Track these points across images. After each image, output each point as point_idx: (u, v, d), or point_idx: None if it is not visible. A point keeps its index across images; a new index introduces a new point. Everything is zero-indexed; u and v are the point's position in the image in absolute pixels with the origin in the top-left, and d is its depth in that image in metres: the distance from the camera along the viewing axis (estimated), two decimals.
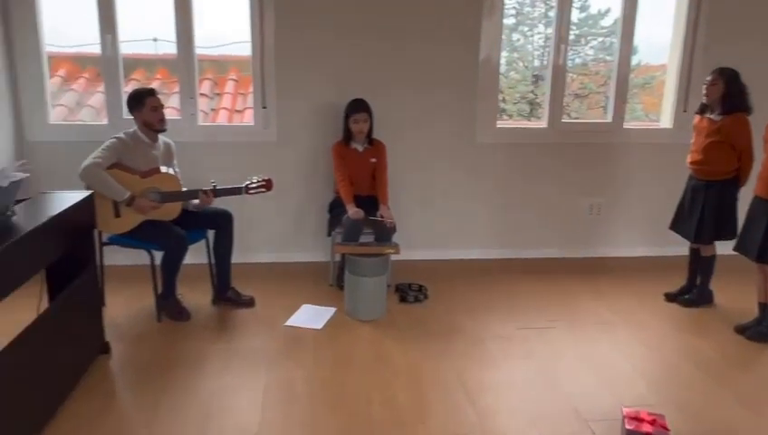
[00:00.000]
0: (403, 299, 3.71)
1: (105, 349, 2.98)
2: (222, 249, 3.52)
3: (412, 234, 4.28)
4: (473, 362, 3.02)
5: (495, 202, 4.44)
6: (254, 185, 3.44)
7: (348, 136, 3.83)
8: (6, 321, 2.49)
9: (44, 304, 2.58)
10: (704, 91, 3.47)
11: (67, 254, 2.59)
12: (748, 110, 3.37)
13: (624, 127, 4.44)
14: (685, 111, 4.30)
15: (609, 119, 4.43)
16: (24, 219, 2.35)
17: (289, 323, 3.38)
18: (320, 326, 3.34)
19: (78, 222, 2.72)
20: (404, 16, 4.04)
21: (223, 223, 3.49)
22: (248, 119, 5.13)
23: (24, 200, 2.58)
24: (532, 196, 4.46)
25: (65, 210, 2.55)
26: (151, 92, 3.33)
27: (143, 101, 3.29)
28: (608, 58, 6.73)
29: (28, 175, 2.38)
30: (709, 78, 3.43)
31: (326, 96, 4.09)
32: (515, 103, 7.67)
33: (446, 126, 4.26)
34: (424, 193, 4.35)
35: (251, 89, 5.17)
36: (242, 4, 3.97)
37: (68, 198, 2.69)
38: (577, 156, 4.41)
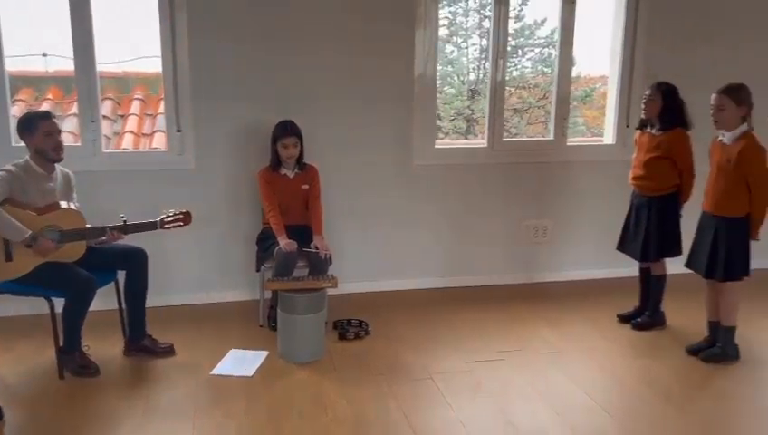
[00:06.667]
0: (342, 337, 3.76)
1: None
2: (135, 292, 3.46)
3: (350, 265, 4.35)
4: (419, 401, 3.10)
5: (436, 228, 4.59)
6: (169, 219, 3.41)
7: (276, 161, 3.87)
8: None
9: None
10: (642, 107, 3.77)
11: None
12: (687, 125, 3.68)
13: (567, 144, 4.72)
14: (627, 127, 4.62)
15: (551, 136, 4.70)
16: None
17: (216, 371, 3.36)
18: (251, 373, 3.33)
19: None
20: (333, 31, 4.16)
21: (135, 262, 3.43)
22: (157, 143, 5.09)
23: None
24: (475, 220, 4.64)
25: None
26: (45, 116, 3.27)
27: (35, 126, 3.21)
28: (545, 70, 7.15)
29: None
30: (647, 93, 3.73)
31: (250, 117, 4.13)
32: (452, 120, 7.95)
33: (380, 148, 4.39)
34: (361, 221, 4.44)
35: (160, 109, 5.14)
36: (149, 13, 3.95)
37: None
38: (519, 176, 4.65)
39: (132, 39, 4.60)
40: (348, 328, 3.82)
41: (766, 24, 4.75)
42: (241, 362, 3.44)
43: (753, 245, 3.41)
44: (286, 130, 3.81)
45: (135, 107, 5.36)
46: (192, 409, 2.99)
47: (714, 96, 3.34)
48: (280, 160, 3.87)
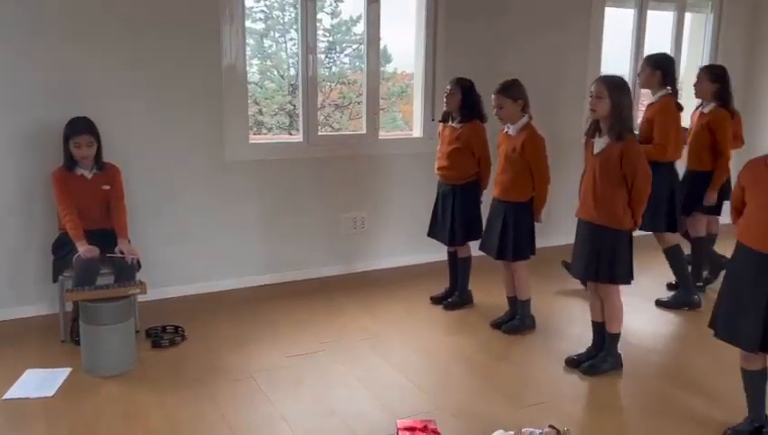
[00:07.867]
0: (156, 344, 3.61)
1: None
2: None
3: (162, 269, 4.16)
4: (239, 401, 3.07)
5: (254, 224, 4.56)
6: None
7: (71, 161, 3.60)
8: None
9: None
10: (444, 100, 4.04)
11: None
12: (483, 118, 4.01)
13: (379, 138, 4.91)
14: (433, 120, 4.91)
15: (363, 130, 4.87)
16: None
17: (8, 395, 3.06)
18: (51, 393, 3.09)
19: None
20: (134, 22, 3.96)
21: None
22: None
23: None
24: (294, 215, 4.67)
25: None
26: None
27: None
28: (362, 66, 7.38)
29: None
30: (448, 87, 4.01)
31: (37, 114, 3.79)
32: (274, 115, 7.91)
33: (189, 144, 4.25)
34: (172, 221, 4.27)
35: None
36: None
37: None
38: (336, 170, 4.75)
39: None
40: (162, 335, 3.68)
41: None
42: (39, 383, 3.17)
43: (537, 226, 3.81)
44: (78, 127, 3.56)
45: None
46: None
47: (492, 97, 3.67)
48: (75, 160, 3.61)
